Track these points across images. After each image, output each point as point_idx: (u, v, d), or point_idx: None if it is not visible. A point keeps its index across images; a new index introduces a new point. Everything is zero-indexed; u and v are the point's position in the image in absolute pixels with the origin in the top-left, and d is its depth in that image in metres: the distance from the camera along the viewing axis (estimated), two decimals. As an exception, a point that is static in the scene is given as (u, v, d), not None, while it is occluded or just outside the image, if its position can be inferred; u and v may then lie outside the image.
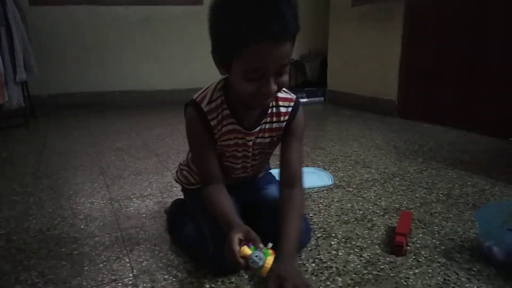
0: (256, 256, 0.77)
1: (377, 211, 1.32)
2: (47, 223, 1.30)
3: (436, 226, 1.20)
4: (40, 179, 1.75)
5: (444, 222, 1.22)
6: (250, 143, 1.00)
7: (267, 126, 1.00)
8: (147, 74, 3.92)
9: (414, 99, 2.89)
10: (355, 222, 1.24)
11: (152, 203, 1.44)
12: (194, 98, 0.96)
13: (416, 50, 2.82)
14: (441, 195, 1.45)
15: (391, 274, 0.95)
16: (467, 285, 0.90)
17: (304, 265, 1.00)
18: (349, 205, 1.38)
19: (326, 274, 0.96)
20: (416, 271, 0.96)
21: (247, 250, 0.79)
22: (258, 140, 1.01)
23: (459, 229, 1.18)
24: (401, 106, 2.97)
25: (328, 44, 3.77)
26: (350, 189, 1.53)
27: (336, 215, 1.30)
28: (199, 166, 1.02)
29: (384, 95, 3.09)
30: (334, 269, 0.98)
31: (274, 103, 0.98)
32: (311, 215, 1.30)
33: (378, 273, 0.95)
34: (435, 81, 2.71)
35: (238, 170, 1.07)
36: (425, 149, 2.08)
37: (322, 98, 3.88)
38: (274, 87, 0.82)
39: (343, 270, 0.97)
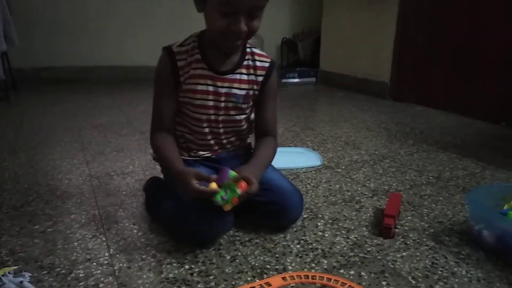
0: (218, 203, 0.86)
1: (366, 193, 1.28)
2: (22, 199, 1.24)
3: (426, 209, 1.17)
4: (17, 154, 1.67)
5: (433, 205, 1.19)
6: (223, 90, 0.99)
7: (244, 77, 1.00)
8: (133, 48, 3.78)
9: (406, 81, 2.85)
10: (342, 204, 1.20)
11: (133, 180, 1.38)
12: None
13: (411, 32, 2.75)
14: (431, 177, 1.42)
15: (378, 257, 0.91)
16: (455, 269, 0.87)
17: (289, 246, 0.96)
18: (337, 186, 1.34)
19: (311, 255, 0.92)
20: (404, 254, 0.93)
21: (214, 186, 0.85)
22: (234, 91, 1.00)
23: (448, 212, 1.15)
24: (394, 88, 2.93)
25: (321, 24, 3.68)
26: (339, 170, 1.49)
27: (324, 196, 1.26)
28: (154, 110, 1.03)
29: (376, 76, 3.04)
30: (319, 250, 0.94)
31: (251, 56, 1.01)
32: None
33: (365, 256, 0.92)
34: (428, 64, 2.66)
35: (208, 134, 1.02)
36: (417, 131, 2.05)
37: (314, 79, 3.81)
38: (244, 27, 0.85)
39: (328, 252, 0.94)
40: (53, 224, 1.08)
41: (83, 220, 1.10)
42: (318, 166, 1.53)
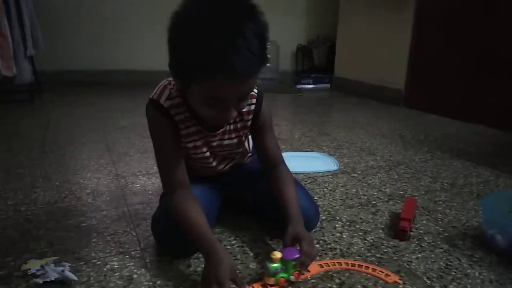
0: (266, 268, 0.83)
1: (382, 197, 1.33)
2: (55, 196, 1.31)
3: (440, 214, 1.21)
4: (47, 154, 1.76)
5: (447, 210, 1.23)
6: (215, 143, 0.97)
7: (232, 127, 0.97)
8: (151, 53, 3.87)
9: (421, 89, 2.88)
10: (359, 207, 1.25)
11: (158, 181, 1.45)
12: (151, 96, 0.90)
13: (426, 39, 2.79)
14: (445, 184, 1.46)
15: (394, 258, 0.96)
16: (468, 270, 0.91)
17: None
18: (353, 190, 1.39)
19: (330, 255, 0.97)
20: (419, 255, 0.97)
21: (279, 256, 0.82)
22: (226, 142, 0.98)
23: (462, 217, 1.19)
24: (408, 95, 2.96)
25: (337, 30, 3.73)
26: (355, 175, 1.53)
27: (341, 199, 1.31)
28: (163, 170, 0.93)
29: (391, 84, 3.07)
30: (338, 250, 0.99)
31: None
32: (315, 198, 1.30)
33: (382, 256, 0.97)
34: (443, 72, 2.69)
35: (215, 167, 1.04)
36: (431, 139, 2.08)
37: (329, 85, 3.86)
38: (234, 113, 0.80)
39: (347, 252, 0.99)
40: (86, 219, 1.15)
41: (113, 217, 1.17)
42: (335, 170, 1.58)
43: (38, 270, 0.87)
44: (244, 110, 0.94)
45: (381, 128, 2.30)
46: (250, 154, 1.12)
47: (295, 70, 4.25)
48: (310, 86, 3.84)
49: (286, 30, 4.11)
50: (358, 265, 0.91)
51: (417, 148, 1.91)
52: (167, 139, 0.91)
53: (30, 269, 0.88)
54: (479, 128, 2.34)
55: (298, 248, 0.85)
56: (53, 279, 0.84)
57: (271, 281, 0.82)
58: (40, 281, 0.84)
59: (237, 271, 0.81)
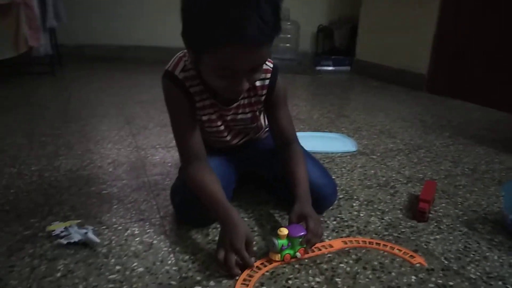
0: (273, 245, 0.81)
1: (401, 179, 1.32)
2: (77, 164, 1.34)
3: (460, 198, 1.19)
4: (69, 124, 1.79)
5: (468, 195, 1.22)
6: (229, 118, 0.97)
7: (246, 101, 0.96)
8: (170, 30, 3.88)
9: (445, 74, 2.81)
10: (377, 188, 1.25)
11: (177, 154, 1.44)
12: (167, 68, 0.90)
13: (452, 24, 2.70)
14: (466, 169, 1.43)
15: (412, 238, 0.96)
16: (487, 253, 0.90)
17: (326, 222, 1.02)
18: (372, 171, 1.38)
19: (347, 231, 0.98)
20: (437, 236, 0.97)
21: (285, 232, 0.81)
22: (240, 117, 0.98)
23: (483, 202, 1.17)
24: (431, 80, 2.89)
25: (360, 11, 3.64)
26: (373, 157, 1.52)
27: (359, 179, 1.30)
28: (179, 141, 0.94)
29: (413, 68, 3.00)
30: (355, 228, 0.99)
31: None
32: (333, 177, 1.30)
33: (399, 236, 0.96)
34: (468, 57, 2.61)
35: (229, 141, 1.04)
36: (453, 124, 2.04)
37: (349, 67, 3.79)
38: (246, 85, 0.79)
39: (363, 230, 0.99)
40: (107, 187, 1.18)
41: (134, 186, 1.19)
42: (353, 151, 1.57)
43: (62, 231, 0.90)
44: (258, 84, 0.93)
45: (402, 112, 2.26)
46: (266, 129, 1.12)
47: (315, 51, 4.19)
48: (330, 68, 3.79)
49: (308, 10, 4.04)
50: (383, 244, 0.91)
51: (438, 133, 1.88)
52: (182, 110, 0.91)
53: (54, 230, 0.91)
54: (504, 115, 2.28)
55: (304, 226, 0.85)
56: (76, 240, 0.86)
57: (277, 257, 0.81)
58: (64, 241, 0.87)
59: (253, 240, 0.82)
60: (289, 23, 3.83)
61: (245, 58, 0.74)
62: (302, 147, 1.04)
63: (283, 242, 0.81)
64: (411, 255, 0.87)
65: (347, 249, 0.90)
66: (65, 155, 1.41)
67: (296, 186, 0.93)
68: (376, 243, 0.92)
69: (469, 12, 2.58)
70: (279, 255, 0.81)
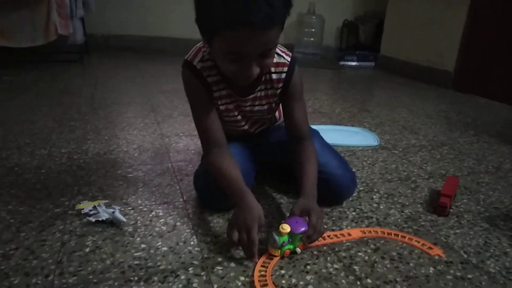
0: (274, 241, 0.79)
1: (422, 175, 1.31)
2: (104, 148, 1.39)
3: (482, 195, 1.18)
4: (96, 110, 1.85)
5: (490, 192, 1.20)
6: (247, 109, 0.98)
7: (263, 93, 0.97)
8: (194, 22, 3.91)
9: (472, 72, 2.74)
10: (398, 182, 1.24)
11: (199, 142, 1.49)
12: (186, 58, 0.93)
13: (481, 21, 2.64)
14: (490, 167, 1.41)
15: (432, 231, 0.96)
16: (508, 250, 0.90)
17: (345, 212, 1.03)
18: (393, 165, 1.38)
19: (366, 222, 0.98)
20: (457, 231, 0.97)
21: (288, 229, 0.79)
22: (256, 108, 0.99)
23: (505, 200, 1.16)
24: (457, 78, 2.83)
25: (386, 7, 3.59)
26: (395, 152, 1.52)
27: (380, 173, 1.31)
28: (200, 129, 0.97)
29: (440, 65, 2.95)
30: (374, 219, 1.00)
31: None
32: (353, 170, 1.30)
33: (418, 228, 0.97)
34: (496, 55, 2.55)
35: (247, 130, 1.06)
36: (478, 122, 2.01)
37: (373, 63, 3.75)
38: (256, 70, 0.80)
39: (383, 222, 0.99)
40: (132, 171, 1.22)
41: (158, 171, 1.22)
42: (375, 146, 1.57)
43: (90, 210, 0.94)
44: (274, 77, 0.94)
45: (426, 109, 2.23)
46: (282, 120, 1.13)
47: (339, 46, 4.15)
48: (354, 63, 3.75)
49: (333, 5, 4.00)
50: (402, 236, 0.92)
51: (463, 130, 1.85)
52: (202, 99, 0.93)
53: (83, 209, 0.95)
54: (532, 115, 2.22)
55: (305, 220, 0.83)
56: (104, 219, 0.90)
57: (277, 252, 0.80)
58: (92, 219, 0.91)
59: (263, 224, 0.82)
60: (314, 17, 3.81)
61: (252, 42, 0.75)
62: (314, 145, 1.00)
63: (284, 238, 0.79)
64: (429, 247, 0.88)
65: (365, 239, 0.91)
66: (92, 139, 1.46)
67: (303, 181, 0.92)
68: (395, 234, 0.92)
69: (499, 11, 2.51)
70: (279, 250, 0.80)
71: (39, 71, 2.65)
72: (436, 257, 0.85)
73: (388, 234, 0.92)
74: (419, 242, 0.90)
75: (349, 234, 0.91)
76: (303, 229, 0.80)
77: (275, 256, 0.80)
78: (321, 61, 3.77)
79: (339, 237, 0.90)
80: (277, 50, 0.92)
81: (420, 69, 3.14)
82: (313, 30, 3.85)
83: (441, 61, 2.93)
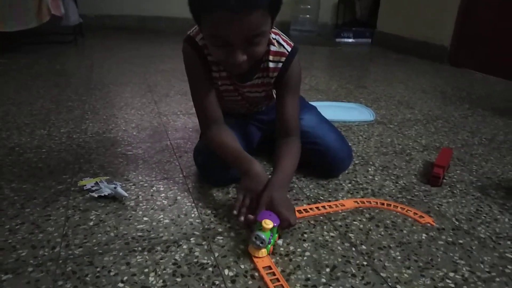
0: (262, 242, 0.73)
1: (417, 147, 1.34)
2: (103, 127, 1.40)
3: (475, 165, 1.21)
4: (93, 91, 1.85)
5: (483, 163, 1.23)
6: (244, 91, 0.99)
7: (260, 81, 0.96)
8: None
9: (468, 47, 2.74)
10: (393, 154, 1.27)
11: (197, 120, 1.51)
12: (189, 33, 0.92)
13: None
14: (484, 139, 1.44)
15: (425, 200, 0.99)
16: (498, 216, 0.93)
17: (341, 184, 1.05)
18: (388, 139, 1.40)
19: (361, 193, 1.01)
20: (450, 200, 1.00)
21: (270, 226, 0.74)
22: (253, 94, 1.00)
23: (498, 170, 1.18)
24: (454, 53, 2.83)
25: (383, -18, 3.55)
26: (391, 126, 1.54)
27: (375, 147, 1.33)
28: (198, 106, 0.97)
29: (436, 40, 2.94)
30: (369, 190, 1.03)
31: (266, 56, 0.91)
32: (350, 144, 1.32)
33: (412, 198, 1.00)
34: (493, 30, 2.54)
35: (247, 108, 1.07)
36: (473, 96, 2.02)
37: (370, 40, 3.73)
38: (242, 57, 0.79)
39: (378, 192, 1.02)
40: (132, 148, 1.23)
41: (157, 148, 1.24)
42: (371, 121, 1.59)
43: (92, 186, 0.96)
44: (271, 66, 0.93)
45: (422, 84, 2.24)
46: None
47: (336, 23, 4.12)
48: (350, 40, 3.73)
49: (329, -20, 3.96)
50: (394, 205, 0.95)
51: (458, 104, 1.87)
52: (201, 76, 0.93)
53: (85, 185, 0.98)
54: (527, 89, 2.24)
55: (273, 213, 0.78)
56: (106, 194, 0.93)
57: (263, 252, 0.74)
58: (95, 195, 0.93)
59: None
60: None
61: (231, 25, 0.74)
62: (299, 143, 0.97)
63: (267, 234, 0.73)
64: (420, 215, 0.91)
65: (360, 208, 0.94)
66: (91, 119, 1.47)
67: (276, 172, 0.88)
68: (387, 204, 0.95)
69: (497, -19, 2.49)
70: (265, 250, 0.75)
71: (33, 53, 2.63)
72: (428, 225, 0.88)
73: (380, 204, 0.95)
74: (410, 211, 0.93)
75: (343, 205, 0.94)
76: (278, 220, 0.76)
77: (262, 257, 0.74)
78: (317, 38, 3.75)
79: (333, 207, 0.93)
80: (280, 40, 0.92)
81: (416, 44, 3.13)
82: (309, 6, 3.81)
83: (437, 36, 2.93)
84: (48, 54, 2.63)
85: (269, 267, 0.72)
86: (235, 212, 0.81)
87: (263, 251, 0.74)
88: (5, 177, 1.03)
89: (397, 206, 0.94)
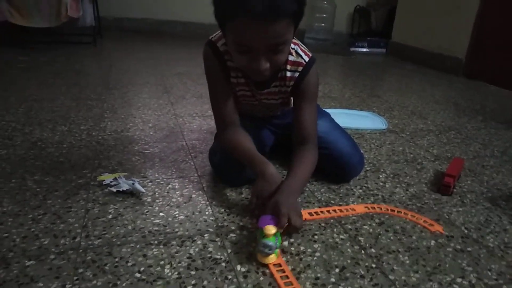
0: (270, 248, 0.73)
1: (428, 157, 1.35)
2: (121, 126, 1.44)
3: (486, 177, 1.22)
4: (111, 90, 1.90)
5: (494, 174, 1.24)
6: (262, 98, 1.02)
7: (276, 89, 0.99)
8: (205, 5, 3.93)
9: (483, 59, 2.74)
10: (404, 163, 1.28)
11: (212, 122, 1.53)
12: (211, 37, 0.95)
13: (494, 8, 2.62)
14: (496, 151, 1.44)
15: (435, 209, 1.00)
16: (508, 227, 0.94)
17: (352, 189, 1.07)
18: (400, 148, 1.41)
19: (371, 199, 1.03)
20: (460, 209, 1.01)
21: (274, 231, 0.74)
22: (269, 101, 1.03)
23: (509, 182, 1.19)
24: (468, 65, 2.83)
25: (399, -7, 3.57)
26: (403, 135, 1.55)
27: (387, 155, 1.35)
28: (215, 109, 1.00)
29: (451, 52, 2.95)
30: (380, 196, 1.05)
31: (284, 65, 0.94)
32: (361, 151, 1.34)
33: (422, 206, 1.01)
34: (508, 44, 2.54)
35: (264, 113, 1.10)
36: (487, 109, 2.02)
37: (384, 50, 3.75)
38: (265, 64, 0.81)
39: (388, 199, 1.04)
40: (149, 147, 1.27)
41: (173, 148, 1.28)
42: (383, 129, 1.60)
43: (111, 181, 1.00)
44: (288, 75, 0.96)
45: (435, 95, 2.25)
46: None
47: (351, 32, 4.14)
48: (365, 49, 3.75)
49: (345, -10, 3.99)
50: (404, 212, 0.97)
51: (471, 116, 1.87)
52: (220, 80, 0.96)
53: (104, 180, 1.01)
54: (542, 103, 2.23)
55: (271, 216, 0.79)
56: (124, 189, 0.96)
57: (273, 258, 0.75)
58: (114, 189, 0.97)
59: None
60: (325, 2, 3.81)
61: (254, 32, 0.76)
62: (316, 151, 0.99)
63: (273, 239, 0.73)
64: (430, 223, 0.92)
65: (370, 214, 0.95)
66: (109, 118, 1.52)
67: (289, 177, 0.90)
68: (398, 211, 0.97)
69: (514, -4, 2.50)
70: (274, 255, 0.75)
71: (53, 52, 2.71)
72: (437, 233, 0.89)
73: (391, 210, 0.97)
74: (421, 218, 0.94)
75: (353, 209, 0.96)
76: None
77: (270, 263, 0.74)
78: (332, 47, 3.77)
79: (343, 212, 0.95)
80: (298, 50, 0.95)
81: (431, 56, 3.14)
82: (325, 15, 3.84)
83: (453, 48, 2.93)
84: (67, 53, 2.71)
85: (279, 265, 0.74)
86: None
87: (272, 257, 0.75)
88: (28, 169, 1.07)
89: (408, 214, 0.96)
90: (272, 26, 0.75)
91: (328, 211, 0.95)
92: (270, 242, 0.73)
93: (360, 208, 0.97)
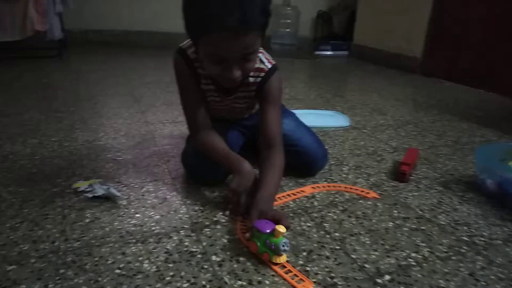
0: (288, 245, 0.76)
1: (388, 149, 1.45)
2: (92, 135, 1.47)
3: (440, 164, 1.32)
4: (81, 102, 1.91)
5: (447, 162, 1.35)
6: (228, 102, 1.07)
7: (242, 94, 1.05)
8: (171, 15, 3.96)
9: (438, 57, 2.91)
10: (366, 156, 1.38)
11: (184, 128, 1.57)
12: (181, 45, 1.00)
13: (447, 8, 2.80)
14: (449, 141, 1.56)
15: (393, 194, 1.09)
16: (457, 206, 1.04)
17: (317, 182, 1.15)
18: (362, 142, 1.51)
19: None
20: (415, 194, 1.10)
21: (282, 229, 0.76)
22: (236, 105, 1.09)
23: (460, 168, 1.30)
24: (425, 63, 3.00)
25: (358, -3, 3.73)
26: (365, 131, 1.65)
27: (350, 149, 1.43)
28: (188, 113, 1.05)
29: (408, 51, 3.11)
30: (343, 187, 1.13)
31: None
32: (326, 147, 1.42)
33: (381, 193, 1.10)
34: (461, 42, 2.72)
35: (234, 115, 1.16)
36: (442, 104, 2.17)
37: (347, 52, 3.89)
38: (237, 73, 0.87)
39: (351, 188, 1.12)
40: (122, 154, 1.31)
41: (146, 154, 1.32)
42: (346, 126, 1.69)
43: (86, 188, 1.03)
44: (251, 80, 1.02)
45: (395, 93, 2.38)
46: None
47: (314, 36, 4.28)
48: (329, 52, 3.88)
49: (308, -4, 4.13)
50: (344, 186, 1.12)
51: (427, 111, 2.00)
52: (190, 85, 1.02)
53: (79, 187, 1.04)
54: (492, 96, 2.40)
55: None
56: (100, 194, 1.00)
57: (283, 258, 0.77)
58: (89, 195, 1.00)
59: None
60: (289, 8, 3.92)
61: (228, 45, 0.82)
62: (282, 153, 1.02)
63: (283, 238, 0.76)
64: (367, 192, 1.08)
65: (335, 202, 1.03)
66: (80, 128, 1.54)
67: (262, 186, 0.92)
68: (339, 186, 1.11)
69: (461, -3, 2.68)
70: (275, 256, 0.76)
71: (18, 66, 2.68)
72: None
73: (334, 186, 1.11)
74: (357, 189, 1.10)
75: (303, 191, 1.08)
76: (274, 225, 0.78)
77: (280, 263, 0.77)
78: (297, 51, 3.89)
79: (296, 195, 1.06)
80: (262, 58, 1.02)
81: (390, 56, 3.30)
82: (289, 21, 3.96)
83: (410, 48, 3.10)
84: (33, 67, 2.68)
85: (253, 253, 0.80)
86: (227, 213, 0.94)
87: (283, 258, 0.77)
88: (1, 182, 1.09)
89: (347, 187, 1.12)
90: (244, 38, 0.82)
91: (284, 196, 1.05)
92: (286, 240, 0.76)
93: (308, 189, 1.09)
